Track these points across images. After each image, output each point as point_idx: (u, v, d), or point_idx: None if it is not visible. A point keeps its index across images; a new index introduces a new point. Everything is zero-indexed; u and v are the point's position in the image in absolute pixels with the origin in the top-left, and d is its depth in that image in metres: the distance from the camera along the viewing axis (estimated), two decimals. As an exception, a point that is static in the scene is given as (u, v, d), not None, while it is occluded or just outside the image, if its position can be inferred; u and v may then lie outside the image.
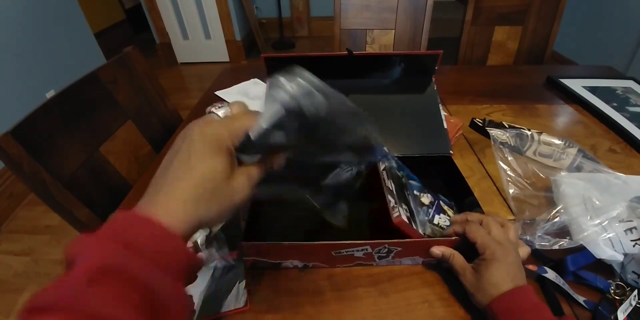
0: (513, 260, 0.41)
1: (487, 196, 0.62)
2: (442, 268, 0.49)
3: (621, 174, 0.54)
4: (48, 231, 1.47)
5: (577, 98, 0.89)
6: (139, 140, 0.85)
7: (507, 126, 0.72)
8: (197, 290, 0.46)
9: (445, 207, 0.55)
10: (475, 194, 0.52)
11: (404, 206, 0.50)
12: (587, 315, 0.43)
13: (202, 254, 0.47)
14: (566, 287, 0.44)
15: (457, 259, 0.45)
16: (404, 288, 0.47)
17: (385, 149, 0.60)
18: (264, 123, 0.28)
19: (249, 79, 1.06)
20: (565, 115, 0.86)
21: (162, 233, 0.22)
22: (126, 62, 0.84)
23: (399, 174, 0.57)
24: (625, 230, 0.45)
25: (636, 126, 0.77)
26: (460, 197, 0.57)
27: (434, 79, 0.65)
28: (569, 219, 0.48)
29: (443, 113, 0.62)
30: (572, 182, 0.53)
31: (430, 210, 0.52)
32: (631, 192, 0.50)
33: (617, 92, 0.92)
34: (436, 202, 0.55)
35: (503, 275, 0.40)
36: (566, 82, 0.96)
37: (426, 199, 0.54)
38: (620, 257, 0.44)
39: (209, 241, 0.50)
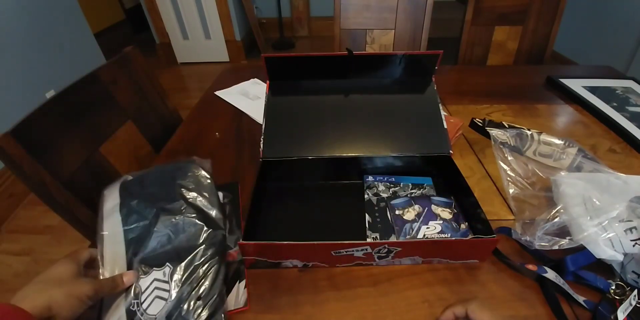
0: None
1: (487, 196, 0.62)
2: (441, 268, 0.49)
3: (621, 174, 0.54)
4: (48, 231, 1.47)
5: (577, 98, 0.89)
6: (139, 140, 0.85)
7: (507, 126, 0.72)
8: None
9: (439, 210, 0.55)
10: (475, 194, 0.52)
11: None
12: (587, 315, 0.43)
13: None
14: (566, 287, 0.44)
15: None
16: (404, 288, 0.47)
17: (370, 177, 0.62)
18: None
19: (249, 79, 1.06)
20: (565, 115, 0.86)
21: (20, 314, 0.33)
22: (126, 62, 0.84)
23: (383, 196, 0.59)
24: (625, 230, 0.45)
25: (636, 126, 0.77)
26: (460, 197, 0.57)
27: (434, 79, 0.65)
28: (569, 219, 0.48)
29: (443, 113, 0.62)
30: (572, 182, 0.53)
31: (415, 224, 0.53)
32: (631, 192, 0.50)
33: (617, 92, 0.92)
34: (425, 210, 0.55)
35: None
36: (566, 82, 0.96)
37: (411, 213, 0.54)
38: (620, 257, 0.44)
39: None
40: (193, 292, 0.39)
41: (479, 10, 1.22)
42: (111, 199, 0.48)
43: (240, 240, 0.45)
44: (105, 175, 0.74)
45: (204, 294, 0.40)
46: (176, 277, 0.40)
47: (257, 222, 0.55)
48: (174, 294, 0.39)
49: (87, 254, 0.43)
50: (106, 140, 0.75)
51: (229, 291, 0.46)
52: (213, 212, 0.47)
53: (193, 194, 0.48)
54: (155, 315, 0.38)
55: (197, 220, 0.45)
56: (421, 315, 0.44)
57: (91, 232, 0.64)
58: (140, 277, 0.40)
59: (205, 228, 0.45)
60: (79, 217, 0.62)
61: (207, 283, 0.40)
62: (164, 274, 0.40)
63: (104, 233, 0.45)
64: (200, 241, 0.44)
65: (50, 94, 1.77)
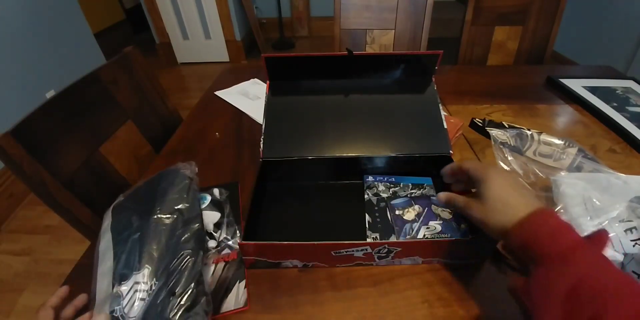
0: (516, 179, 0.40)
1: (487, 196, 0.62)
2: (441, 268, 0.49)
3: (621, 174, 0.54)
4: (48, 231, 1.47)
5: (577, 98, 0.89)
6: (139, 140, 0.85)
7: (507, 126, 0.72)
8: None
9: (439, 210, 0.55)
10: (475, 194, 0.52)
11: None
12: (587, 315, 0.43)
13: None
14: (566, 287, 0.44)
15: (460, 198, 0.44)
16: (404, 288, 0.47)
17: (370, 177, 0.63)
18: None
19: (249, 79, 1.06)
20: (565, 115, 0.86)
21: None
22: (126, 62, 0.84)
23: (383, 196, 0.59)
24: (625, 230, 0.45)
25: (636, 126, 0.77)
26: (460, 197, 0.57)
27: (434, 79, 0.65)
28: (569, 219, 0.48)
29: (443, 113, 0.62)
30: (572, 182, 0.53)
31: (415, 224, 0.53)
32: (631, 192, 0.50)
33: (617, 92, 0.92)
34: (425, 211, 0.55)
35: (511, 192, 0.38)
36: (566, 82, 0.96)
37: (411, 213, 0.54)
38: (620, 257, 0.44)
39: (217, 225, 0.53)
40: (168, 288, 0.40)
41: (479, 10, 1.22)
42: (106, 221, 0.50)
43: (240, 241, 0.45)
44: (105, 175, 0.74)
45: (179, 288, 0.40)
46: (154, 275, 0.41)
47: (257, 222, 0.55)
48: (151, 292, 0.39)
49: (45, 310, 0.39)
50: (106, 140, 0.75)
51: (229, 291, 0.46)
52: (186, 208, 0.48)
53: (169, 195, 0.49)
54: (134, 316, 0.38)
55: (171, 219, 0.46)
56: (421, 315, 0.44)
57: (91, 232, 0.64)
58: (122, 283, 0.41)
59: (179, 224, 0.46)
60: (79, 217, 0.63)
61: (182, 277, 0.41)
62: (144, 276, 0.41)
63: (99, 251, 0.46)
64: (175, 238, 0.44)
65: (50, 94, 1.77)
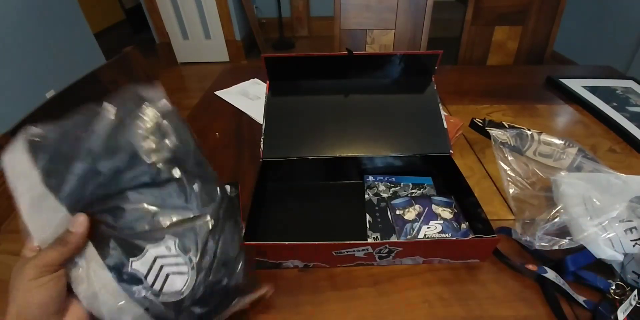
0: None
1: (487, 196, 0.62)
2: (441, 268, 0.49)
3: (621, 174, 0.54)
4: (48, 231, 1.47)
5: (577, 98, 0.89)
6: (139, 140, 0.85)
7: (507, 126, 0.72)
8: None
9: (440, 210, 0.55)
10: (475, 194, 0.52)
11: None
12: (587, 315, 0.43)
13: None
14: (566, 287, 0.44)
15: None
16: (404, 288, 0.47)
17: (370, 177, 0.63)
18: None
19: (248, 79, 1.06)
20: (565, 115, 0.87)
21: None
22: (126, 62, 0.84)
23: (383, 196, 0.59)
24: (625, 230, 0.45)
25: (636, 126, 0.77)
26: (461, 197, 0.57)
27: (433, 79, 0.65)
28: (569, 219, 0.48)
29: (443, 113, 0.62)
30: (572, 182, 0.53)
31: (415, 224, 0.53)
32: (631, 192, 0.50)
33: (617, 92, 0.92)
34: (425, 210, 0.55)
35: None
36: (566, 82, 0.96)
37: (412, 213, 0.55)
38: (620, 257, 0.44)
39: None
40: (216, 260, 0.35)
41: (479, 10, 1.22)
42: (17, 162, 0.34)
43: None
44: (105, 175, 0.74)
45: (225, 258, 0.36)
46: (188, 248, 0.34)
47: (258, 223, 0.55)
48: (194, 265, 0.34)
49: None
50: (106, 140, 0.75)
51: (229, 291, 0.46)
52: (200, 162, 0.38)
53: (164, 143, 0.37)
54: (180, 290, 0.33)
55: (190, 181, 0.36)
56: (421, 315, 0.44)
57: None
58: (132, 260, 0.33)
59: (204, 186, 0.37)
60: (79, 217, 0.62)
61: (227, 247, 0.37)
62: (169, 249, 0.34)
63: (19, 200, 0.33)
64: (202, 203, 0.36)
65: (50, 94, 1.77)
